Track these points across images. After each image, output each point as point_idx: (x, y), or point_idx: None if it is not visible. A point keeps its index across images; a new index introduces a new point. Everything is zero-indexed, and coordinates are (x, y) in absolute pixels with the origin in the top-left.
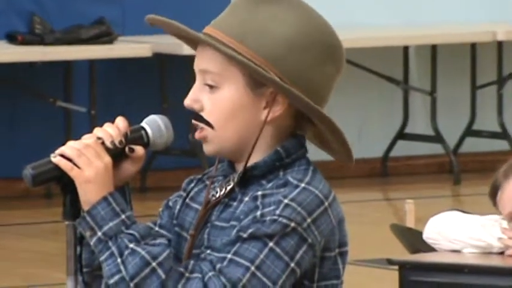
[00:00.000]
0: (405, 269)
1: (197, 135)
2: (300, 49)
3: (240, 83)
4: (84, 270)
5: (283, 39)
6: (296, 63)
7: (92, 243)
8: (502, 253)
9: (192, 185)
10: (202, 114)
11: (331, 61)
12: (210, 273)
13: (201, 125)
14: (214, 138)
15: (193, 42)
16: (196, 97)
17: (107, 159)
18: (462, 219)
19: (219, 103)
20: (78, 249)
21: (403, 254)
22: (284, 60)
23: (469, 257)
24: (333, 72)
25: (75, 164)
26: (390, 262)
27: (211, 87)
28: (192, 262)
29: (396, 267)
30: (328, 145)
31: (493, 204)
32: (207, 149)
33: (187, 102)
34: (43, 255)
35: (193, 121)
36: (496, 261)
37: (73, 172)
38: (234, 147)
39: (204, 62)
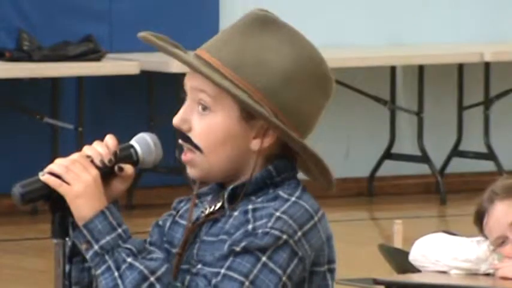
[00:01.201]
0: None
1: (184, 158)
2: (295, 82)
3: (234, 111)
4: None
5: (279, 71)
6: (290, 95)
7: (88, 256)
8: (488, 274)
9: (182, 204)
10: (190, 135)
11: (323, 92)
12: None
13: (189, 147)
14: (202, 162)
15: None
16: (186, 117)
17: (94, 172)
18: (447, 241)
19: (211, 128)
20: (68, 267)
21: (390, 274)
22: (279, 93)
23: (456, 277)
24: (323, 103)
25: (63, 181)
26: (376, 282)
27: (204, 108)
28: (188, 277)
29: (382, 287)
30: (311, 173)
31: (479, 230)
32: (193, 173)
33: (176, 121)
34: (27, 272)
35: (181, 142)
36: (483, 283)
37: (62, 188)
38: (221, 173)
39: (199, 83)
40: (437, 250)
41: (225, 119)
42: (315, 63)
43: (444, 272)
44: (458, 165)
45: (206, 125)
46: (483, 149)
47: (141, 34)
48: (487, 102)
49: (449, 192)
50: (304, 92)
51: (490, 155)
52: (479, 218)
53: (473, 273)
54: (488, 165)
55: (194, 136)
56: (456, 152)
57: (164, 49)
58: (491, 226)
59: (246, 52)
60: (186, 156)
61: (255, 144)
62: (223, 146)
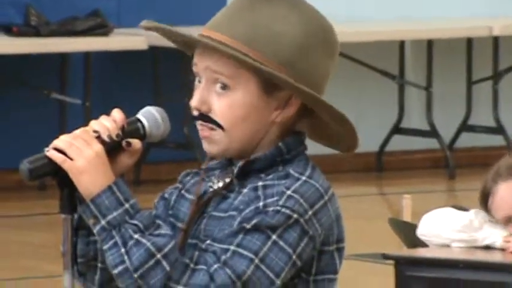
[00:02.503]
0: (401, 264)
1: (203, 134)
2: (307, 49)
3: (254, 86)
4: (79, 260)
5: (291, 41)
6: (304, 63)
7: (95, 231)
8: (498, 249)
9: (189, 177)
10: (210, 115)
11: (331, 57)
12: (216, 265)
13: (211, 125)
14: (223, 139)
15: (188, 44)
16: (203, 98)
17: (97, 146)
18: (449, 215)
19: (232, 106)
20: (74, 240)
21: (399, 249)
22: (294, 62)
23: (465, 252)
24: (332, 66)
25: (67, 156)
26: (386, 257)
27: (222, 87)
28: (196, 253)
29: (392, 262)
30: (329, 136)
31: (485, 210)
32: (212, 149)
33: (195, 103)
34: (36, 247)
35: (202, 122)
36: (492, 257)
37: (66, 164)
38: (240, 147)
39: (214, 64)
40: (438, 224)
41: (246, 96)
42: (324, 30)
43: (446, 246)
44: (467, 140)
45: (227, 103)
46: (492, 124)
47: (144, 24)
48: (496, 77)
49: (458, 167)
50: (317, 59)
51: (499, 129)
52: (485, 199)
53: (473, 246)
54: (497, 140)
55: (215, 115)
56: (465, 126)
57: (175, 33)
58: (496, 206)
59: (257, 26)
60: (205, 132)
61: (276, 115)
62: (245, 122)
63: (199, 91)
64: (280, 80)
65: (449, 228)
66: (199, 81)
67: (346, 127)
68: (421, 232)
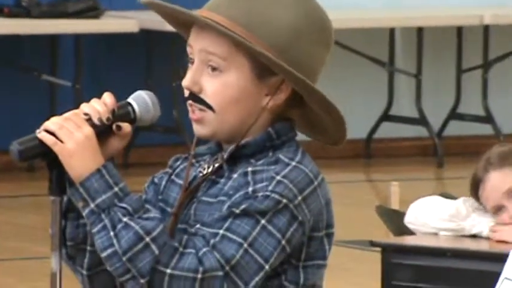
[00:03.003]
0: (388, 251)
1: (193, 116)
2: (303, 37)
3: (247, 70)
4: (68, 243)
5: (287, 27)
6: (299, 49)
7: (84, 214)
8: (485, 238)
9: (178, 162)
10: (201, 96)
11: (326, 45)
12: (204, 249)
13: (201, 107)
14: (213, 121)
15: (184, 24)
16: (195, 78)
17: (87, 129)
18: (436, 204)
19: (223, 88)
20: (63, 223)
21: (386, 236)
22: (290, 49)
23: (445, 239)
24: (326, 54)
25: (58, 138)
26: (373, 244)
27: (214, 69)
28: (185, 237)
29: (379, 249)
30: (317, 128)
31: (475, 199)
32: (202, 131)
33: (187, 83)
34: (25, 228)
35: (191, 102)
36: (479, 246)
37: (56, 147)
38: (230, 131)
39: (208, 44)
40: (426, 213)
41: (238, 78)
42: (320, 18)
43: (435, 234)
44: (456, 128)
45: (219, 85)
46: (481, 112)
47: (145, 0)
48: (486, 65)
49: (447, 155)
50: (311, 45)
51: (488, 118)
52: (475, 187)
53: (460, 235)
54: (486, 128)
55: (206, 97)
56: (454, 114)
57: (174, 10)
58: (487, 195)
59: (255, 10)
60: (195, 115)
61: (267, 101)
62: (236, 105)
63: (192, 71)
64: (273, 64)
65: (436, 217)
66: (192, 63)
67: (335, 117)
68: (409, 220)
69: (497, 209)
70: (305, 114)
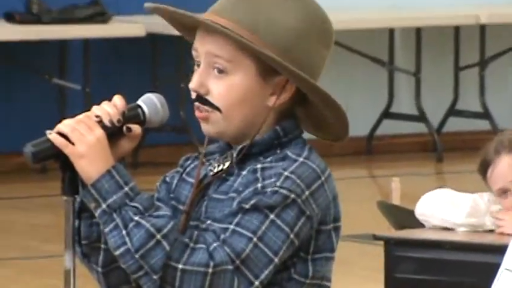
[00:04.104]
0: (390, 244)
1: (199, 115)
2: (305, 38)
3: (252, 71)
4: (83, 242)
5: (291, 29)
6: (302, 51)
7: (96, 214)
8: (492, 231)
9: (189, 161)
10: (208, 97)
11: (326, 45)
12: (215, 244)
13: (208, 108)
14: (220, 121)
15: (189, 28)
16: (202, 80)
17: (99, 132)
18: (456, 198)
19: (229, 89)
20: (77, 222)
21: (388, 230)
22: (293, 50)
23: (454, 234)
24: (327, 54)
25: (69, 141)
26: (376, 238)
27: (220, 71)
28: (196, 232)
29: (381, 242)
30: (320, 125)
31: (483, 179)
32: (209, 129)
33: (194, 85)
34: (38, 227)
35: (199, 104)
36: (478, 239)
37: (67, 149)
38: (237, 131)
39: (214, 47)
40: (445, 208)
41: (243, 79)
42: (321, 19)
43: (450, 229)
44: (455, 124)
45: (225, 87)
46: (479, 109)
47: (148, 5)
48: (483, 63)
49: (446, 150)
50: (313, 47)
51: (486, 114)
52: (484, 168)
53: (477, 230)
54: (483, 124)
55: (213, 98)
56: (453, 111)
57: (179, 14)
58: (495, 177)
59: (258, 13)
60: (202, 114)
61: (272, 101)
62: (242, 105)
63: (198, 74)
64: (278, 64)
65: (456, 213)
66: (198, 66)
67: (338, 114)
68: (422, 212)
69: (503, 192)
70: (309, 112)
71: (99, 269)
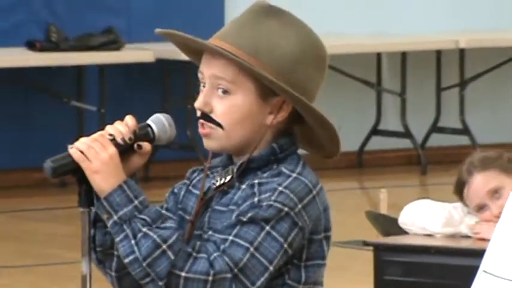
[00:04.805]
0: (379, 250)
1: (202, 131)
2: (302, 62)
3: (252, 92)
4: (98, 249)
5: (289, 54)
6: (299, 76)
7: (108, 225)
8: (468, 236)
9: (195, 174)
10: (212, 115)
11: (321, 71)
12: (215, 254)
13: (211, 125)
14: (222, 137)
15: (195, 52)
16: (207, 101)
17: (112, 150)
18: (431, 209)
19: (232, 108)
20: (92, 231)
21: (377, 237)
22: (291, 73)
23: (437, 239)
24: (322, 80)
25: (86, 157)
26: (366, 244)
27: (224, 92)
28: (198, 243)
29: (371, 248)
30: (314, 142)
31: (460, 199)
32: (210, 144)
33: (199, 105)
34: (58, 237)
35: (203, 121)
36: (460, 244)
37: (84, 164)
38: (237, 146)
39: (218, 70)
40: (424, 218)
41: (244, 99)
42: (317, 47)
43: (429, 235)
44: (437, 140)
45: (227, 106)
46: (459, 126)
47: (158, 30)
48: (463, 84)
49: (429, 164)
50: (309, 70)
51: (465, 131)
52: (460, 189)
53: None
54: (463, 140)
55: (216, 116)
56: (435, 128)
57: (187, 39)
58: (471, 195)
59: (259, 38)
60: (205, 130)
61: (270, 119)
62: (243, 123)
63: (203, 94)
64: (276, 86)
65: (433, 223)
66: (204, 86)
67: (331, 133)
68: (404, 221)
69: (480, 208)
70: (303, 130)
71: (113, 274)
